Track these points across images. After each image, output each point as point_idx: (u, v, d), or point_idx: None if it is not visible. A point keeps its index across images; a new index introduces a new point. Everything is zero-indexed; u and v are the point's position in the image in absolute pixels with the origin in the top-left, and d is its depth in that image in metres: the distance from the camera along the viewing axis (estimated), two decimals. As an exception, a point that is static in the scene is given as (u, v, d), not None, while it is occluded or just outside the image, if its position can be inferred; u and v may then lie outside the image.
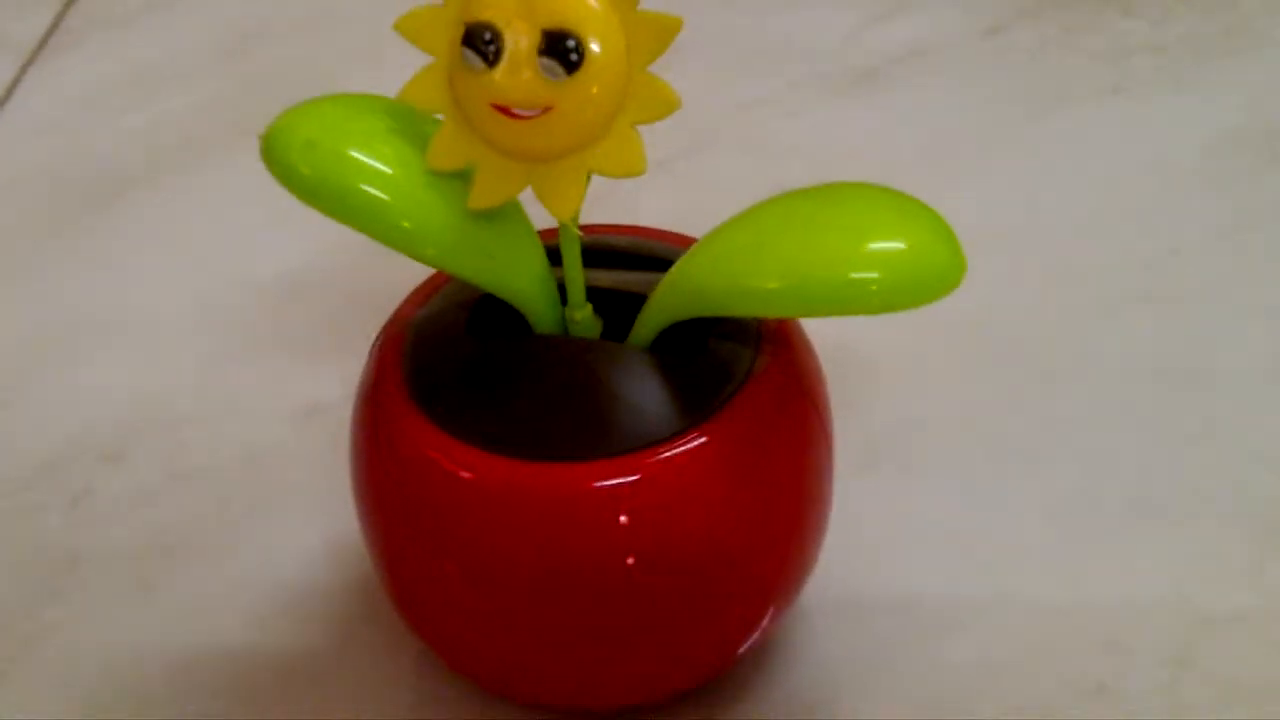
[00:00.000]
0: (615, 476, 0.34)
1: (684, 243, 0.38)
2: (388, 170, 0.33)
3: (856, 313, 0.32)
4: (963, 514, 0.43)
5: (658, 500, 0.34)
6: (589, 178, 0.32)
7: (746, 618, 0.37)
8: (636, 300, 0.36)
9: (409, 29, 0.32)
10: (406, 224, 0.33)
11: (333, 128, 0.33)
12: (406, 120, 0.33)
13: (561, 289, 0.36)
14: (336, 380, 0.48)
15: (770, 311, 0.35)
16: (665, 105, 0.31)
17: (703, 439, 0.34)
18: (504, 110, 0.32)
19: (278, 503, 0.45)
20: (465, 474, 0.34)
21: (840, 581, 0.40)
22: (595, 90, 0.31)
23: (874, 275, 0.31)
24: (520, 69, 0.31)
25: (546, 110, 0.31)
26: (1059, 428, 0.46)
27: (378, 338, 0.37)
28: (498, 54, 0.31)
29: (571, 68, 0.31)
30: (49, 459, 0.47)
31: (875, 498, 0.43)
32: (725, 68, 0.61)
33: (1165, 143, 0.56)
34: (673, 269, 0.35)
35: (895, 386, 0.47)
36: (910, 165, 0.54)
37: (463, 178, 0.33)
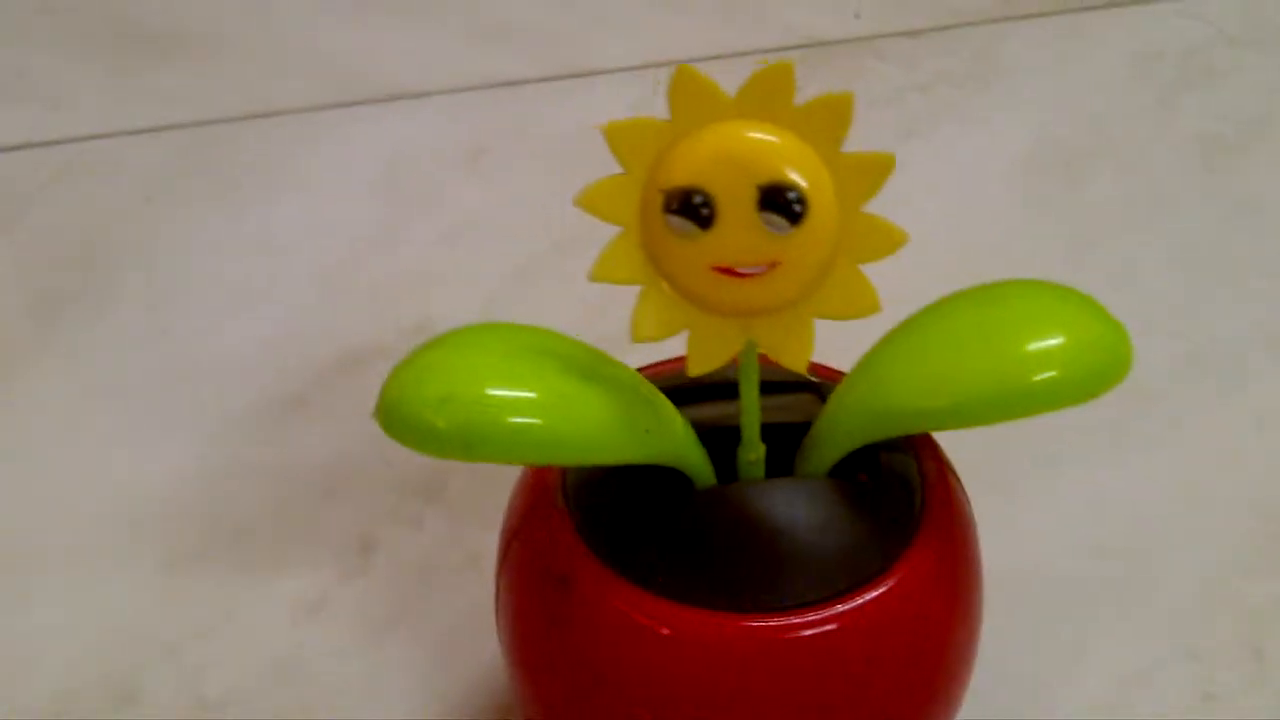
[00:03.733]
0: (843, 619, 0.33)
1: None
2: (532, 395, 0.32)
3: (1037, 413, 0.32)
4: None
5: (883, 634, 0.34)
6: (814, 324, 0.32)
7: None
8: (783, 431, 0.36)
9: (594, 203, 0.31)
10: (581, 441, 0.32)
11: (463, 376, 0.32)
12: (509, 336, 0.33)
13: (715, 431, 0.35)
14: (318, 568, 0.45)
15: (951, 426, 0.35)
16: (891, 242, 0.31)
17: (913, 564, 0.34)
18: (727, 271, 0.31)
19: (333, 706, 0.42)
20: (685, 638, 0.33)
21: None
22: (817, 238, 0.31)
23: (1053, 374, 0.32)
24: (739, 228, 0.30)
25: (773, 265, 0.31)
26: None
27: (525, 513, 0.36)
28: (711, 216, 0.30)
29: (796, 219, 0.30)
30: (49, 713, 0.42)
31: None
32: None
33: (974, 179, 0.60)
34: (843, 394, 0.35)
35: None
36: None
37: (599, 376, 0.32)
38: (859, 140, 0.59)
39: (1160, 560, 0.45)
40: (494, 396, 0.31)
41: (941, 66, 0.65)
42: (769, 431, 0.36)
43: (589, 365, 0.33)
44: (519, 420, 0.31)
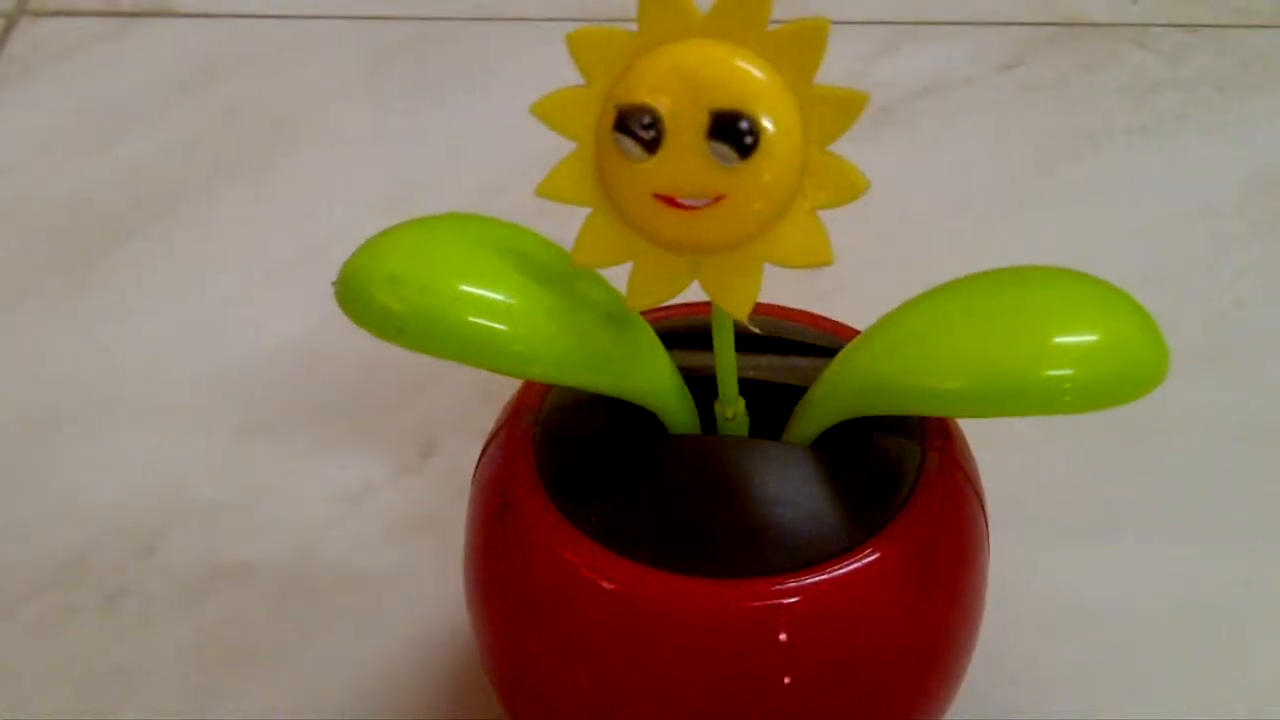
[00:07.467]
0: (782, 596, 0.31)
1: (803, 319, 0.35)
2: (484, 293, 0.29)
3: (1046, 413, 0.29)
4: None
5: (824, 621, 0.31)
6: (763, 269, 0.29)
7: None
8: (783, 392, 0.33)
9: (547, 112, 0.29)
10: (518, 348, 0.30)
11: (420, 258, 0.30)
12: (494, 236, 0.31)
13: (700, 380, 0.33)
14: (375, 460, 0.44)
15: (950, 412, 0.32)
16: (851, 188, 0.28)
17: (875, 554, 0.31)
18: (668, 201, 0.28)
19: (339, 598, 0.41)
20: (609, 585, 0.31)
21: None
22: (770, 175, 0.28)
23: (1068, 373, 0.29)
24: (686, 155, 0.28)
25: (717, 199, 0.28)
26: (1150, 492, 0.44)
27: (498, 429, 0.34)
28: (658, 139, 0.28)
29: (745, 151, 0.28)
30: (72, 554, 0.43)
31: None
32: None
33: (1204, 186, 0.55)
34: (838, 362, 0.32)
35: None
36: (947, 210, 0.52)
37: (565, 288, 0.30)
38: (1092, 124, 0.55)
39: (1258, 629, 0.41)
40: (443, 284, 0.29)
41: (1208, 64, 0.60)
42: (776, 393, 0.33)
43: (562, 276, 0.30)
44: (465, 315, 0.29)
